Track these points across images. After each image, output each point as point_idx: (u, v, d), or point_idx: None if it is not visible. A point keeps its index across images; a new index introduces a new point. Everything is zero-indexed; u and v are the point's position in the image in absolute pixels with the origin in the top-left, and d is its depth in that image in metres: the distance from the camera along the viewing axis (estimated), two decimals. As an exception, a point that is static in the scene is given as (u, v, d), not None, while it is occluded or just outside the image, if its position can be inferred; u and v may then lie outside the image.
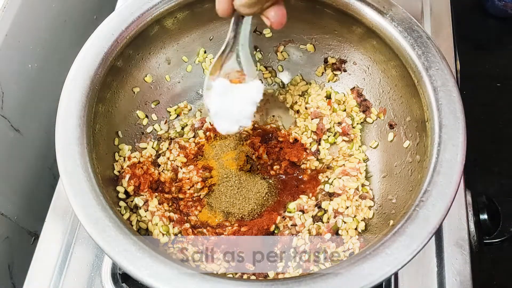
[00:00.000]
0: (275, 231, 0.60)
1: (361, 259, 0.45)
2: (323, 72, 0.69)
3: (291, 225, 0.59)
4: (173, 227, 0.57)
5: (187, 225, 0.58)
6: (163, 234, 0.55)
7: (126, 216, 0.55)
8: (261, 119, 0.70)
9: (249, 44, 0.52)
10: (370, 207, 0.59)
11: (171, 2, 0.60)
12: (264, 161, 0.64)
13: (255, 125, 0.68)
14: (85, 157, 0.50)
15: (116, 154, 0.60)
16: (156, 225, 0.56)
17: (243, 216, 0.60)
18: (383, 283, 0.56)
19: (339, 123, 0.66)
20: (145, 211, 0.57)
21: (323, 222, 0.58)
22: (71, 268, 0.59)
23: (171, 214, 0.58)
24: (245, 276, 0.55)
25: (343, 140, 0.65)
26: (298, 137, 0.66)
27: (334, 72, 0.68)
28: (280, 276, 0.55)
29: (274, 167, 0.64)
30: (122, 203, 0.57)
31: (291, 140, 0.66)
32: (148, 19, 0.59)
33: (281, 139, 0.66)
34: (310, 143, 0.66)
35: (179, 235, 0.57)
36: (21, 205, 0.73)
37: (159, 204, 0.58)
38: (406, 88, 0.59)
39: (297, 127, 0.67)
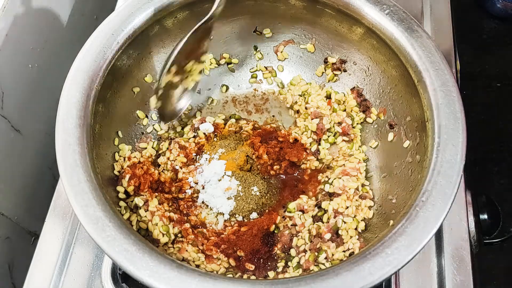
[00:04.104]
0: (275, 231, 0.59)
1: (361, 259, 0.45)
2: (323, 72, 0.69)
3: (291, 225, 0.59)
4: (173, 227, 0.57)
5: (187, 225, 0.58)
6: (163, 234, 0.55)
7: (126, 216, 0.55)
8: (261, 119, 0.70)
9: None
10: (370, 207, 0.59)
11: (171, 2, 0.60)
12: (264, 161, 0.64)
13: (255, 125, 0.68)
14: (85, 157, 0.50)
15: (116, 154, 0.60)
16: (156, 225, 0.56)
17: (243, 216, 0.60)
18: (383, 283, 0.56)
19: (339, 123, 0.66)
20: (145, 211, 0.57)
21: (323, 222, 0.58)
22: (71, 268, 0.59)
23: (171, 214, 0.58)
24: (245, 276, 0.55)
25: (343, 140, 0.65)
26: (298, 137, 0.66)
27: (334, 72, 0.68)
28: (280, 276, 0.55)
29: (274, 167, 0.64)
30: (122, 203, 0.57)
31: (291, 140, 0.66)
32: (148, 19, 0.59)
33: (281, 139, 0.66)
34: (310, 143, 0.66)
35: (179, 235, 0.57)
36: (21, 205, 0.73)
37: (159, 204, 0.58)
38: (406, 88, 0.59)
39: (297, 127, 0.67)
